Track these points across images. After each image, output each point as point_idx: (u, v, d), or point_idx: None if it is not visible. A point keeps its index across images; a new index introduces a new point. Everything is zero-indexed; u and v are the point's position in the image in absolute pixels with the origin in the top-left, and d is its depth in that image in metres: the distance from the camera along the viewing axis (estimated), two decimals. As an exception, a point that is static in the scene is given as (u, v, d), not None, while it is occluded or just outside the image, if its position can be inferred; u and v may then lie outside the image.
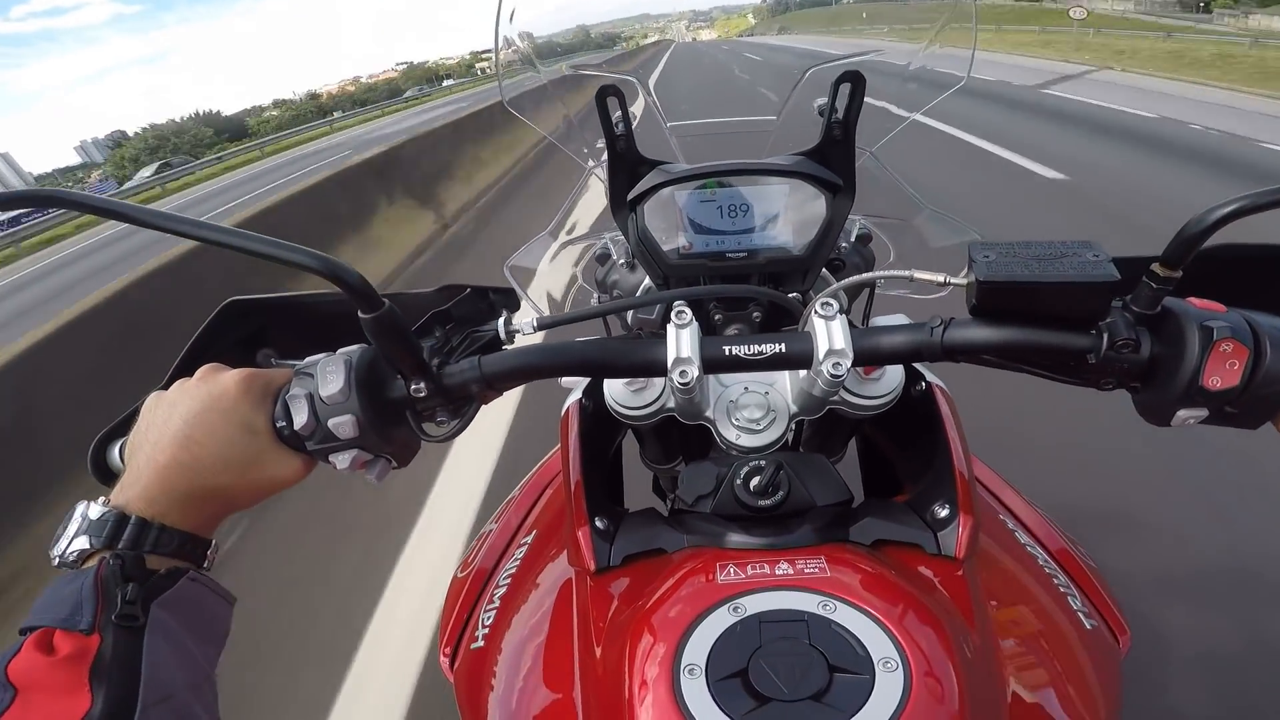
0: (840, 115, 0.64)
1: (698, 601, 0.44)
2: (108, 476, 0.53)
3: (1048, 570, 0.67)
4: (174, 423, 0.45)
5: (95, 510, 0.43)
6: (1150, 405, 0.46)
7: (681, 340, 0.48)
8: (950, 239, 0.75)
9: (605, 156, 0.67)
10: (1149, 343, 0.44)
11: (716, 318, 0.67)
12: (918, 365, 0.62)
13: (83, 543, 0.42)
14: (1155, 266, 0.42)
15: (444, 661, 0.70)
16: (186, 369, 0.54)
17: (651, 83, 0.78)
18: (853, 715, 0.37)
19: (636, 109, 0.67)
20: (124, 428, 0.53)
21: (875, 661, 0.40)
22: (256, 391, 0.47)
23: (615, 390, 0.61)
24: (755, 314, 0.67)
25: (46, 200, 0.41)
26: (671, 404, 0.60)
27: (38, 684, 0.36)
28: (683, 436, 0.75)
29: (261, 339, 0.62)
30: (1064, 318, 0.45)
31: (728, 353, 0.48)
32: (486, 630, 0.64)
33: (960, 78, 0.77)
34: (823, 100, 0.65)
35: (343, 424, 0.46)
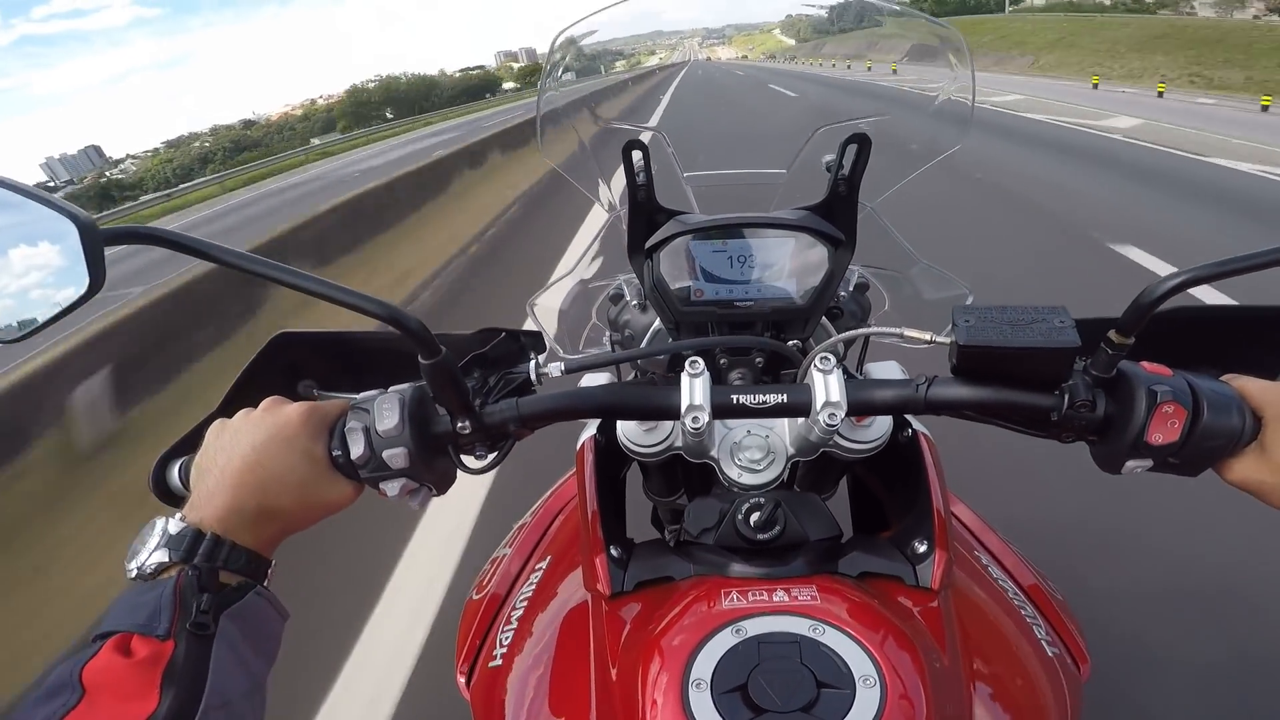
0: (846, 173, 0.69)
1: (704, 624, 0.50)
2: (168, 496, 0.58)
3: (1016, 602, 0.73)
4: (241, 447, 0.50)
5: (174, 526, 0.47)
6: (1103, 456, 0.52)
7: (695, 389, 0.54)
8: (941, 292, 0.81)
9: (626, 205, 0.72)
10: (1104, 403, 0.51)
11: (722, 361, 0.73)
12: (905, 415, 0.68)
13: (161, 555, 0.45)
14: (1111, 334, 0.49)
15: (460, 680, 0.74)
16: (240, 396, 0.59)
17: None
18: None
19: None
20: (181, 450, 0.58)
21: (857, 679, 0.46)
22: (315, 423, 0.53)
23: (628, 429, 0.66)
24: (758, 360, 0.72)
25: (149, 239, 0.45)
26: (680, 443, 0.65)
27: (109, 685, 0.39)
28: (685, 472, 0.81)
29: (302, 370, 0.67)
30: (1032, 378, 0.51)
31: (735, 401, 0.54)
32: (504, 650, 0.69)
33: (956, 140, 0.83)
34: (830, 157, 0.70)
35: (396, 455, 0.51)
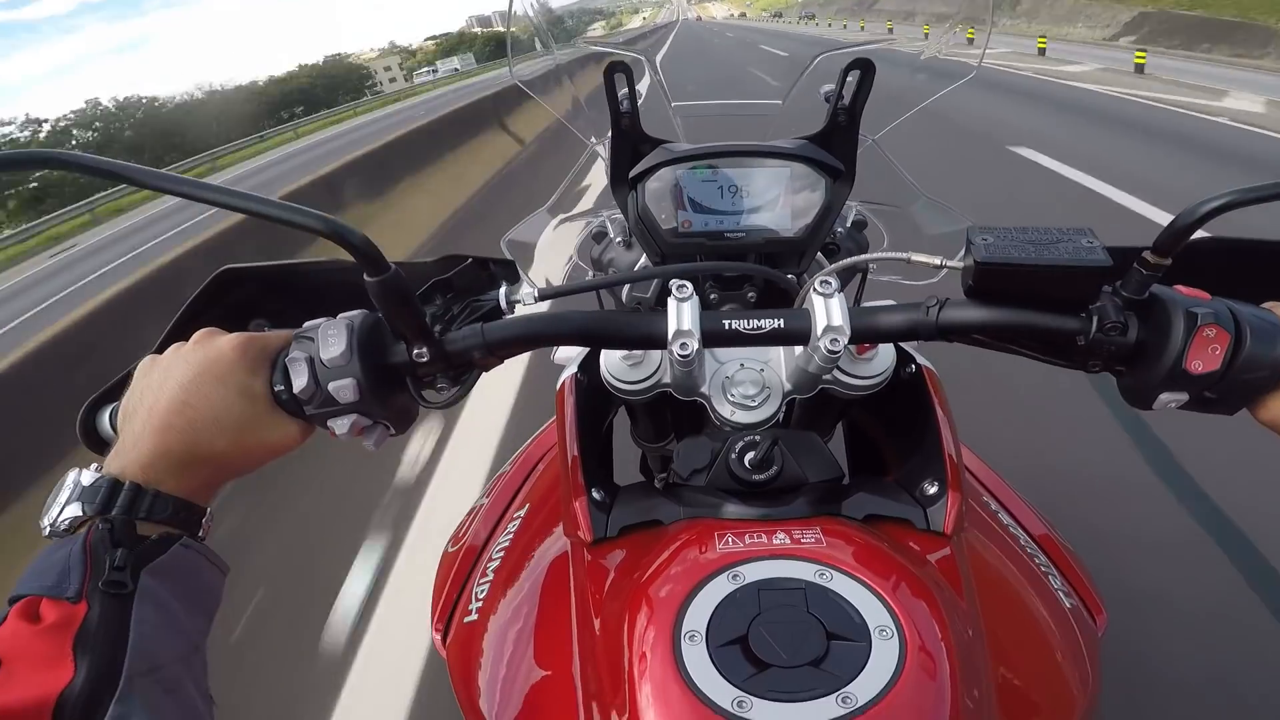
0: (846, 102, 0.64)
1: (697, 570, 0.45)
2: (98, 444, 0.52)
3: (1029, 551, 0.69)
4: (169, 387, 0.44)
5: (88, 477, 0.41)
6: (1134, 388, 0.48)
7: (682, 313, 0.48)
8: (945, 227, 0.76)
9: (609, 133, 0.67)
10: (1136, 327, 0.46)
11: (712, 296, 0.68)
12: (908, 348, 0.64)
13: (74, 510, 0.40)
14: (1146, 254, 0.44)
15: (436, 638, 0.70)
16: (179, 334, 0.53)
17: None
18: (850, 681, 0.38)
19: (641, 88, 0.67)
20: (114, 393, 0.52)
21: (871, 629, 0.41)
22: (254, 355, 0.46)
23: (612, 364, 0.61)
24: (750, 293, 0.68)
25: (46, 161, 0.40)
26: (668, 379, 0.60)
27: (20, 653, 0.35)
28: (675, 414, 0.76)
29: (255, 308, 0.61)
30: (1056, 300, 0.46)
31: (727, 327, 0.49)
32: (480, 604, 0.65)
33: (972, 67, 0.78)
34: (829, 86, 0.65)
35: (343, 388, 0.45)
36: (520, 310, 0.54)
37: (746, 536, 0.47)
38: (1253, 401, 0.46)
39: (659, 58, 0.82)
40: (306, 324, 0.49)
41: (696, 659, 0.40)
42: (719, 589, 0.43)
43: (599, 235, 0.78)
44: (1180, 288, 0.46)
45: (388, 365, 0.48)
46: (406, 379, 0.50)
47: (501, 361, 0.51)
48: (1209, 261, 0.52)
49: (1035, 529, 0.75)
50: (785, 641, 0.40)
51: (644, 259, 0.73)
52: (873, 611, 0.42)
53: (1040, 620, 0.60)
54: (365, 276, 0.44)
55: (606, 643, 0.46)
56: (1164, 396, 0.46)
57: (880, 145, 0.75)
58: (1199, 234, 0.43)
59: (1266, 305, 0.46)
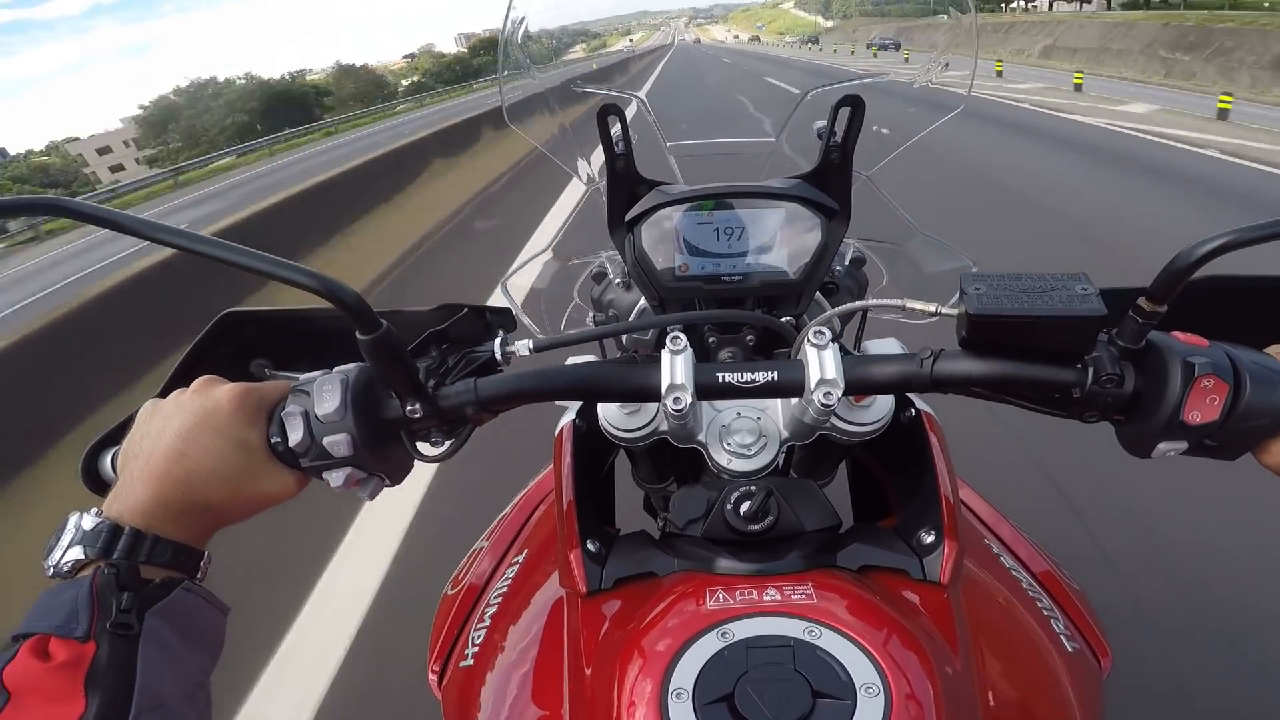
0: (839, 139, 0.64)
1: (687, 626, 0.45)
2: (99, 485, 0.54)
3: (1031, 594, 0.68)
4: (168, 435, 0.45)
5: (89, 521, 0.43)
6: (1132, 437, 0.47)
7: (676, 367, 0.49)
8: (943, 265, 0.76)
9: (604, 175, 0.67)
10: (1133, 377, 0.45)
11: (711, 340, 0.68)
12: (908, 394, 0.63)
13: (77, 553, 0.42)
14: (1141, 301, 0.43)
15: (432, 678, 0.70)
16: (183, 379, 0.54)
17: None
18: None
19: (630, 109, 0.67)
20: (117, 436, 0.53)
21: (858, 687, 0.40)
22: (251, 407, 0.47)
23: (609, 413, 0.61)
24: (749, 337, 0.68)
25: (49, 208, 0.41)
26: (665, 427, 0.60)
27: (32, 689, 0.36)
28: (675, 457, 0.76)
29: (256, 349, 0.62)
30: (1052, 351, 0.45)
31: (721, 380, 0.49)
32: (476, 649, 0.64)
33: (961, 96, 0.79)
34: (821, 123, 0.65)
35: (338, 443, 0.46)
36: (516, 362, 0.54)
37: (737, 593, 0.47)
38: (1255, 447, 0.45)
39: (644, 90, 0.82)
40: (302, 377, 0.50)
41: (682, 717, 0.40)
42: (708, 647, 0.43)
43: (599, 276, 0.78)
44: (1177, 334, 0.45)
45: (382, 420, 0.49)
46: (401, 433, 0.50)
47: (495, 415, 0.51)
48: (1207, 301, 0.51)
49: (1038, 567, 0.74)
50: (771, 700, 0.40)
51: (643, 300, 0.73)
52: (860, 669, 0.41)
53: (1041, 666, 0.59)
54: (358, 334, 0.44)
55: (597, 695, 0.46)
56: (1162, 445, 0.45)
57: (874, 182, 0.75)
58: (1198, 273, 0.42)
59: (1270, 349, 0.46)
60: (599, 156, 0.68)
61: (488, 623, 0.66)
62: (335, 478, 0.48)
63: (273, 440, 0.47)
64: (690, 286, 0.66)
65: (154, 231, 0.41)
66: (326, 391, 0.46)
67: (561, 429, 0.65)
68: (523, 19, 0.73)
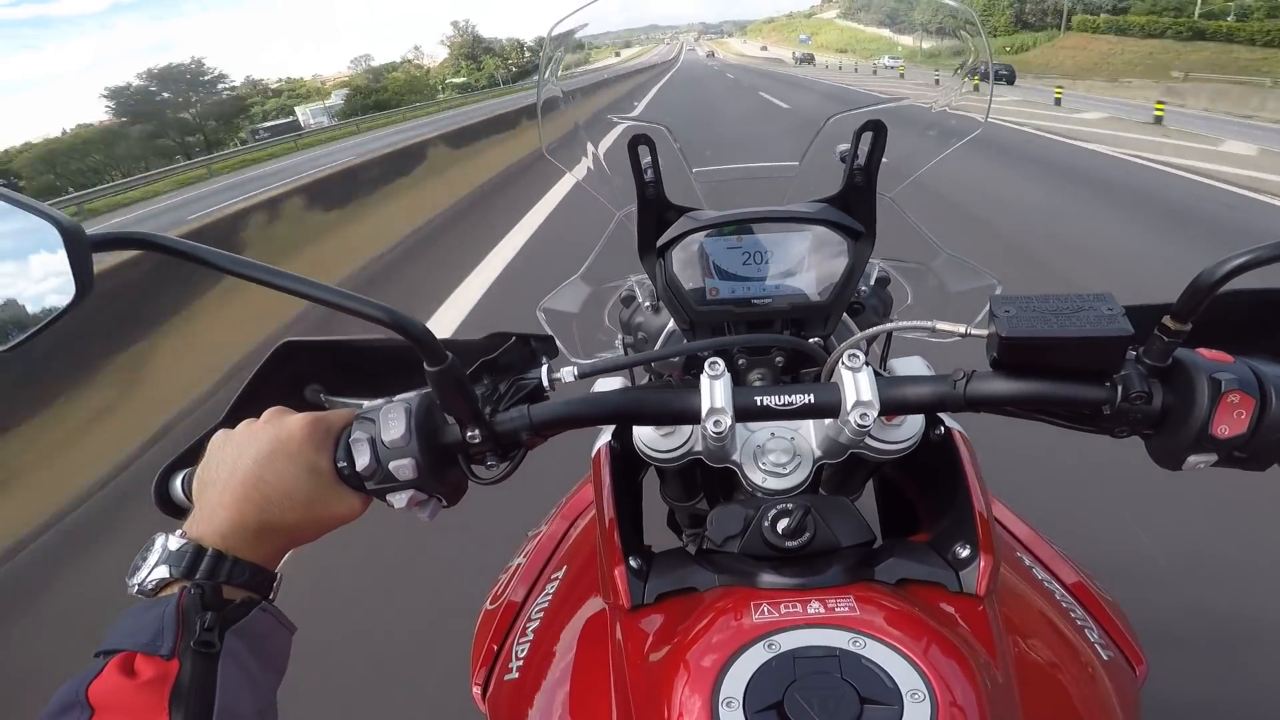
0: (861, 162, 0.66)
1: (734, 638, 0.47)
2: (170, 508, 0.57)
3: (1065, 604, 0.69)
4: (244, 463, 0.48)
5: (174, 543, 0.45)
6: (1162, 451, 0.49)
7: (716, 391, 0.51)
8: (968, 284, 0.78)
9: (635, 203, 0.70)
10: (1160, 393, 0.47)
11: (741, 362, 0.70)
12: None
13: (162, 572, 0.44)
14: (1166, 319, 0.45)
15: (476, 692, 0.71)
16: (246, 405, 0.57)
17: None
18: None
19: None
20: (185, 462, 0.57)
21: (904, 693, 0.42)
22: (319, 435, 0.50)
23: (645, 434, 0.63)
24: (778, 359, 0.69)
25: (140, 243, 0.44)
26: (699, 448, 0.62)
27: (117, 705, 0.38)
28: (705, 475, 0.78)
29: (310, 376, 0.65)
30: (1081, 370, 0.47)
31: (759, 403, 0.51)
32: (520, 663, 0.66)
33: (979, 123, 0.80)
34: (844, 147, 0.67)
35: (403, 467, 0.49)
36: (561, 388, 0.56)
37: (782, 606, 0.49)
38: None
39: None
40: (366, 405, 0.52)
41: None
42: (755, 657, 0.45)
43: (628, 299, 0.81)
44: (1203, 350, 0.47)
45: (442, 445, 0.51)
46: (459, 456, 0.53)
47: (545, 440, 0.54)
48: (1232, 316, 0.52)
49: (1070, 579, 0.75)
50: (820, 707, 0.41)
51: (672, 323, 0.75)
52: (905, 676, 0.43)
53: (1077, 675, 0.60)
54: (425, 366, 0.47)
55: (645, 708, 0.47)
56: (1192, 459, 0.47)
57: (897, 203, 0.77)
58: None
59: None
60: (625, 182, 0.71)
61: (531, 637, 0.68)
62: (398, 499, 0.51)
63: (340, 464, 0.50)
64: (720, 310, 0.68)
65: (233, 265, 0.44)
66: (392, 419, 0.49)
67: (599, 450, 0.67)
68: (560, 56, 0.77)
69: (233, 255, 0.44)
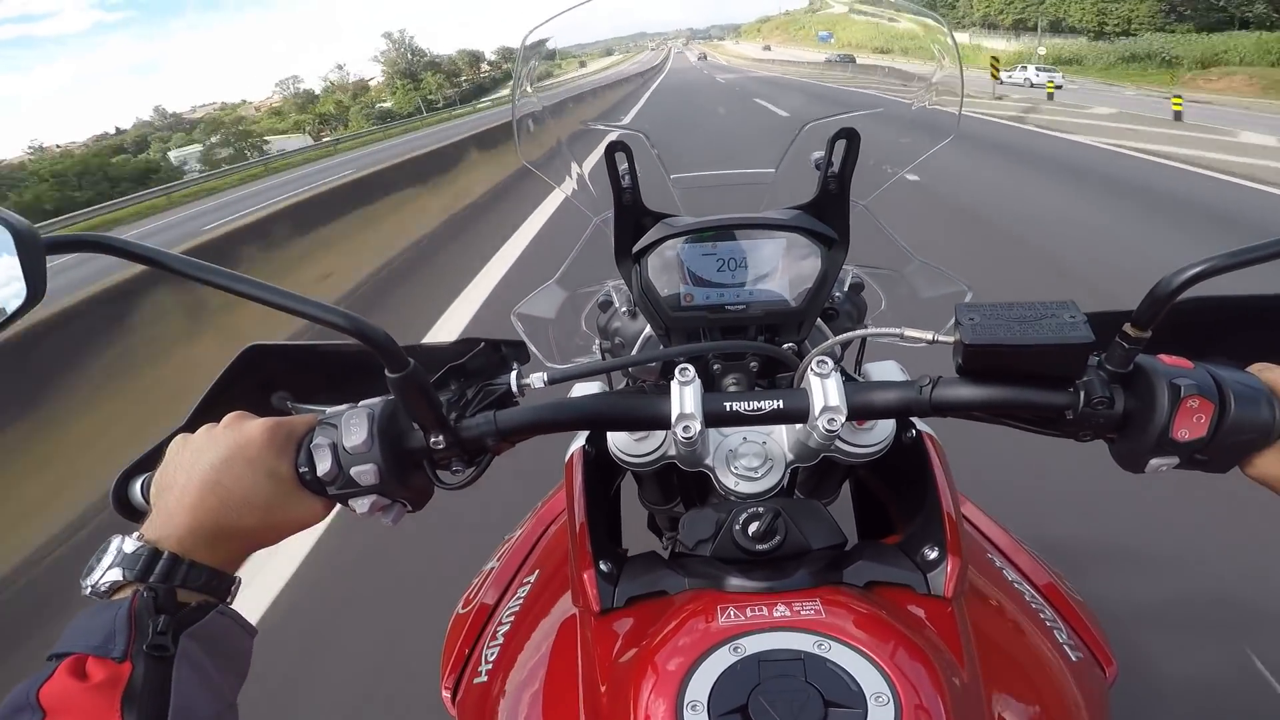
0: (835, 170, 0.67)
1: (699, 642, 0.47)
2: (129, 511, 0.56)
3: (1034, 605, 0.70)
4: (202, 467, 0.48)
5: (130, 545, 0.45)
6: (1125, 455, 0.49)
7: (685, 397, 0.51)
8: (939, 290, 0.79)
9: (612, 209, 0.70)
10: (1122, 399, 0.48)
11: (715, 367, 0.70)
12: None
13: (116, 575, 0.44)
14: (1127, 327, 0.46)
15: (445, 696, 0.71)
16: (209, 410, 0.56)
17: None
18: None
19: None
20: (145, 465, 0.56)
21: (868, 696, 0.42)
22: (280, 440, 0.50)
23: (619, 439, 0.63)
24: (753, 364, 0.70)
25: (95, 245, 0.43)
26: (673, 452, 0.62)
27: (68, 708, 0.38)
28: (681, 479, 0.78)
29: (276, 382, 0.64)
30: (1044, 377, 0.48)
31: (729, 409, 0.51)
32: (489, 666, 0.66)
33: (949, 132, 0.81)
34: (819, 154, 0.68)
35: (364, 472, 0.48)
36: (530, 394, 0.56)
37: (748, 609, 0.49)
38: (1242, 460, 0.48)
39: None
40: (329, 410, 0.52)
41: None
42: (720, 661, 0.45)
43: (605, 305, 0.81)
44: (1163, 357, 0.48)
45: (406, 450, 0.51)
46: (424, 462, 0.52)
47: (513, 445, 0.54)
48: (1192, 321, 0.53)
49: (1040, 580, 0.76)
50: (784, 710, 0.42)
51: (649, 328, 0.75)
52: (869, 679, 0.43)
53: (1047, 676, 0.60)
54: (387, 372, 0.47)
55: (612, 709, 0.48)
56: (1154, 461, 0.48)
57: (871, 211, 0.78)
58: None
59: (1252, 368, 0.48)
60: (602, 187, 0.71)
61: (501, 640, 0.68)
62: (360, 504, 0.51)
63: (301, 470, 0.50)
64: (695, 316, 0.69)
65: (192, 269, 0.43)
66: (354, 425, 0.49)
67: (572, 454, 0.67)
68: (534, 63, 0.77)
69: (191, 259, 0.44)
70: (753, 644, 0.46)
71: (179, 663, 0.42)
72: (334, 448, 0.49)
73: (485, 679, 0.65)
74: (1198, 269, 0.42)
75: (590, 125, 0.83)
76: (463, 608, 0.81)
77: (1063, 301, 0.48)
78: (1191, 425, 0.45)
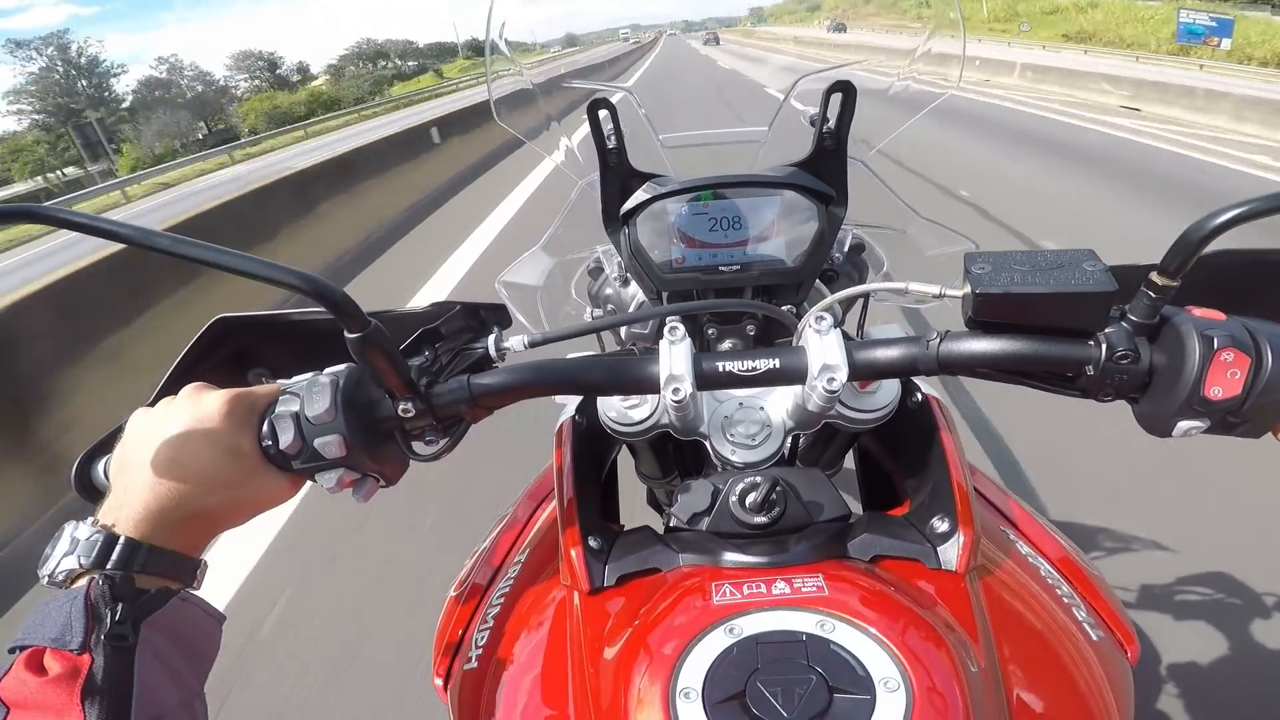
0: (832, 125, 0.63)
1: (693, 623, 0.44)
2: (93, 494, 0.53)
3: (1051, 581, 0.66)
4: (159, 443, 0.45)
5: (84, 530, 0.42)
6: (1150, 416, 0.45)
7: (675, 357, 0.48)
8: (944, 248, 0.75)
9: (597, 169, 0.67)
10: (1148, 353, 0.44)
11: (711, 331, 0.67)
12: (913, 378, 0.62)
13: (71, 563, 0.41)
14: (1153, 275, 0.42)
15: (437, 683, 0.68)
16: (174, 386, 0.53)
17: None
18: None
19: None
20: (109, 445, 0.53)
21: (876, 681, 0.39)
22: (241, 412, 0.47)
23: (610, 406, 0.60)
24: (750, 327, 0.67)
25: (29, 216, 0.40)
26: (666, 420, 0.59)
27: (28, 703, 0.36)
28: (678, 451, 0.75)
29: (251, 357, 0.61)
30: (1061, 329, 0.44)
31: (721, 369, 0.48)
32: (480, 651, 0.63)
33: (948, 88, 0.77)
34: (814, 110, 0.64)
35: (329, 444, 0.45)
36: (511, 358, 0.53)
37: (745, 586, 0.46)
38: (1277, 424, 0.44)
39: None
40: (294, 379, 0.49)
41: (692, 717, 0.38)
42: (716, 643, 0.42)
43: (595, 271, 0.77)
44: (1192, 308, 0.44)
45: (374, 420, 0.48)
46: (395, 433, 0.49)
47: (490, 413, 0.50)
48: (1222, 277, 0.49)
49: (1056, 554, 0.72)
50: (785, 698, 0.38)
51: (641, 294, 0.72)
52: (877, 662, 0.40)
53: (1066, 656, 0.57)
54: (346, 334, 0.43)
55: (603, 697, 0.45)
56: (1183, 424, 0.43)
57: (870, 167, 0.74)
58: (1210, 248, 0.40)
59: None
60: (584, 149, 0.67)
61: (490, 624, 0.65)
62: (327, 479, 0.47)
63: (265, 444, 0.47)
64: (688, 278, 0.66)
65: (141, 237, 0.40)
66: (316, 393, 0.46)
67: (561, 425, 0.64)
68: (503, 22, 0.73)
69: (134, 225, 0.40)
70: (750, 624, 0.43)
71: (140, 652, 0.40)
72: (296, 418, 0.46)
73: (475, 665, 0.62)
74: (1232, 213, 0.38)
75: (572, 84, 0.79)
76: (455, 591, 0.78)
77: (1083, 250, 0.44)
78: (1225, 382, 0.41)
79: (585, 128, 0.66)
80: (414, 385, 0.47)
